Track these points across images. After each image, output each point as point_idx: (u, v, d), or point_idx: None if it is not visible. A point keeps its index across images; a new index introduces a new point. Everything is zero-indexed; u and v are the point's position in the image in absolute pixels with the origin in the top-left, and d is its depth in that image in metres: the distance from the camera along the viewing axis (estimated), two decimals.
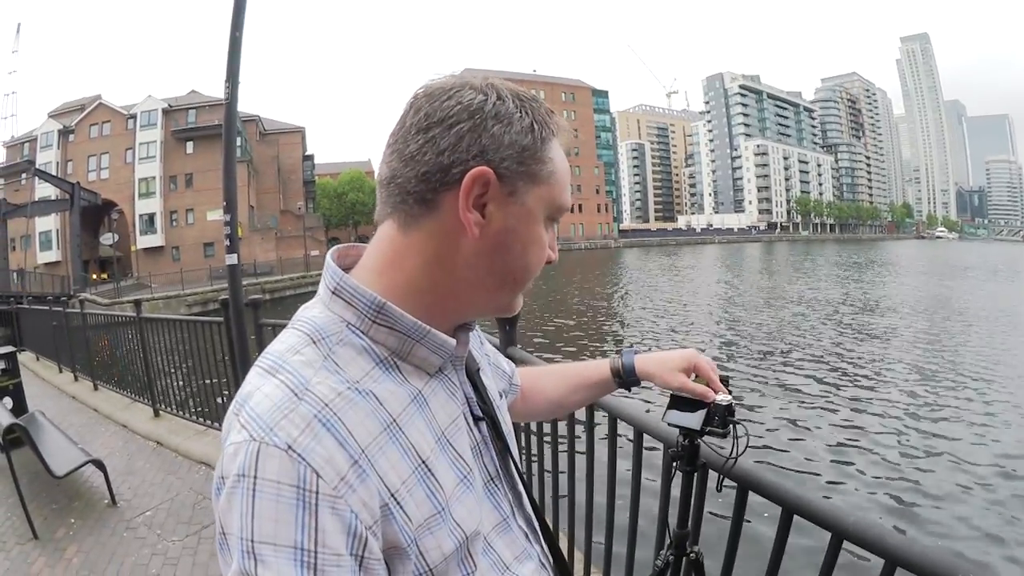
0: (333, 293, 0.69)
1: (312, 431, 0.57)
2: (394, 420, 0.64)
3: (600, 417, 2.06)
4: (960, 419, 9.33)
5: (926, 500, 6.56)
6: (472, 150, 0.65)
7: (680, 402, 1.14)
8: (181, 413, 5.92)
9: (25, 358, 9.80)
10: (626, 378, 1.13)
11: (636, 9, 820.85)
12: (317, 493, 0.55)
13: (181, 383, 6.08)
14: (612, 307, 23.99)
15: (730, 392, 1.15)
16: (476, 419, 0.78)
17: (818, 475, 7.15)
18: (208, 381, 5.53)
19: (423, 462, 0.65)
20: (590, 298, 25.04)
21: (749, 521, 1.42)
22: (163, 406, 6.11)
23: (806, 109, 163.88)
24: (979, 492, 6.75)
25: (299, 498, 0.54)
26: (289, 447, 0.55)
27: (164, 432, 5.60)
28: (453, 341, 0.71)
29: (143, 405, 6.39)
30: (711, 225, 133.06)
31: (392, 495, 0.60)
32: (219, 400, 5.50)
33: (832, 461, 7.53)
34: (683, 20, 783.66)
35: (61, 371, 9.01)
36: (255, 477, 0.55)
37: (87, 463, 4.19)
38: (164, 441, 5.44)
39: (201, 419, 5.67)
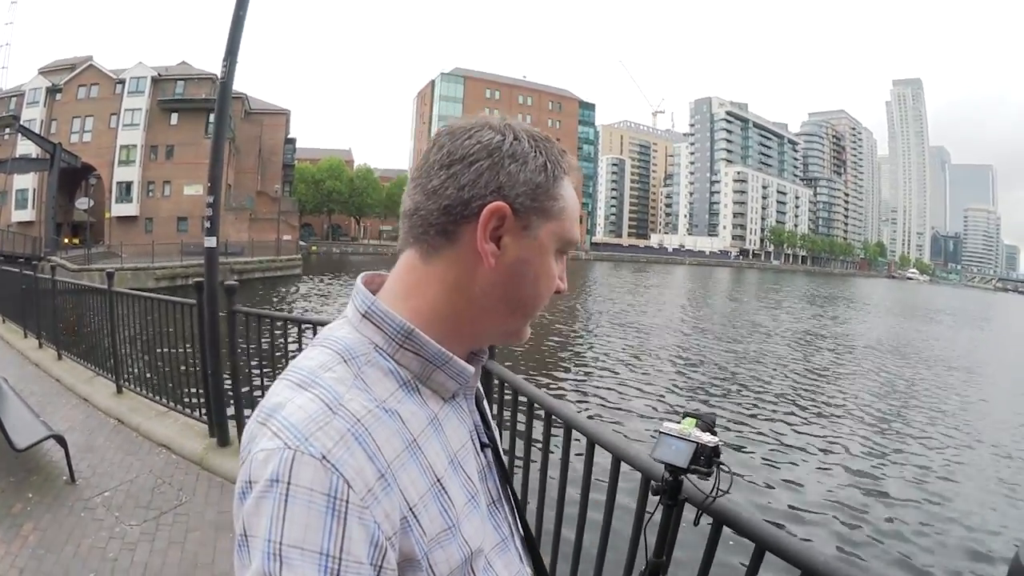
0: (364, 316, 0.73)
1: (345, 444, 0.60)
2: (415, 439, 0.68)
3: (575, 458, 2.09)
4: (929, 458, 9.65)
5: (895, 538, 6.71)
6: (490, 186, 0.70)
7: (669, 439, 1.17)
8: (144, 392, 5.77)
9: None
10: None
11: (632, 26, 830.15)
12: (347, 502, 0.58)
13: (147, 361, 5.93)
14: (579, 322, 23.99)
15: (716, 434, 1.18)
16: (483, 445, 0.83)
17: (791, 510, 7.20)
18: (175, 362, 5.42)
19: (438, 480, 0.69)
20: (557, 312, 25.09)
21: (735, 555, 1.45)
22: (127, 383, 5.98)
23: (790, 141, 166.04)
24: (952, 530, 7.01)
25: (330, 506, 0.57)
26: (323, 457, 0.58)
27: (126, 410, 5.48)
28: (472, 369, 0.76)
29: (106, 380, 6.24)
30: (683, 246, 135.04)
31: (411, 509, 0.64)
32: (184, 378, 5.40)
33: (800, 499, 7.57)
34: (678, 43, 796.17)
35: (26, 336, 8.75)
36: (289, 483, 0.57)
37: (48, 437, 4.10)
38: (125, 419, 5.33)
39: (164, 400, 5.53)
